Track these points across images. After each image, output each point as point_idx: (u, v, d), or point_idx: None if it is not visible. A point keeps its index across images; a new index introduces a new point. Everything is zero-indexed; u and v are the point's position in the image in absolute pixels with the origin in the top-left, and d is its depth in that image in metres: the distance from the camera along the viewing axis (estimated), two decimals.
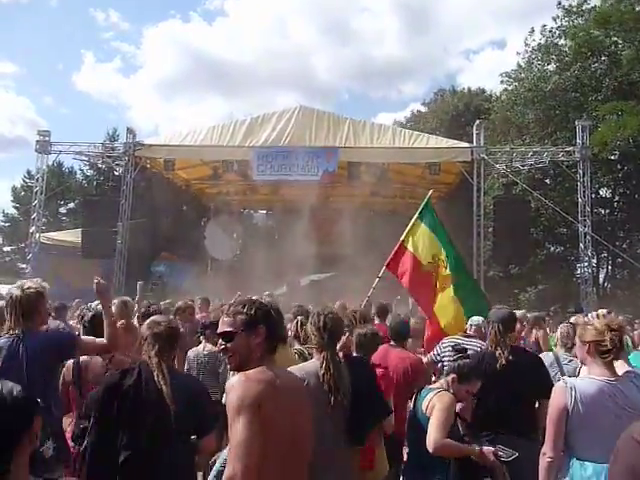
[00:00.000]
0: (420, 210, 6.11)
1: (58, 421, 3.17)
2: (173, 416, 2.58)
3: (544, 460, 2.71)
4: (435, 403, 3.01)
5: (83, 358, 3.72)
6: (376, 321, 5.90)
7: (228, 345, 2.15)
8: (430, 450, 2.83)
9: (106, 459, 2.61)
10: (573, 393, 2.63)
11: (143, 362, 2.81)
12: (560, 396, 2.68)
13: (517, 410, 3.55)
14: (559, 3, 22.30)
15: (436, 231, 5.87)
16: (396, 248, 5.94)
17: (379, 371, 3.80)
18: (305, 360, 3.84)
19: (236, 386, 1.98)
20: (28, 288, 3.15)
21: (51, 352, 3.09)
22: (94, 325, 3.76)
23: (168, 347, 2.85)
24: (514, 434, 3.47)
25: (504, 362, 3.67)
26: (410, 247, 5.85)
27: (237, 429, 1.90)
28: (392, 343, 4.61)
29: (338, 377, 2.89)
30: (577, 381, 2.73)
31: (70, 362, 3.64)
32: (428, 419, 3.03)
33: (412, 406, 3.23)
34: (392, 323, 5.01)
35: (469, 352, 3.60)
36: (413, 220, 6.07)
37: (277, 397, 1.99)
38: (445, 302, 5.50)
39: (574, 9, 21.98)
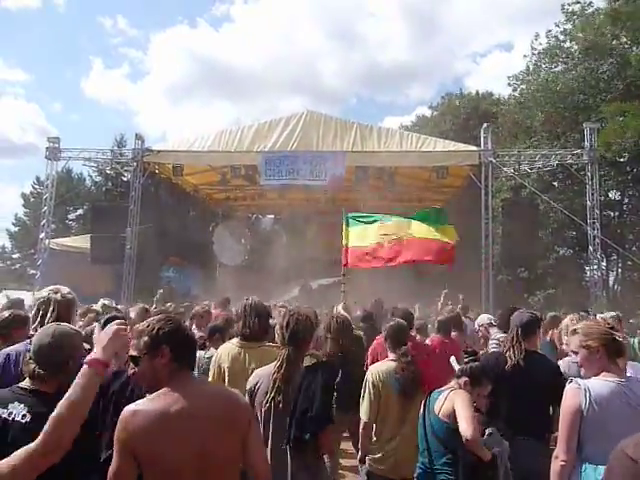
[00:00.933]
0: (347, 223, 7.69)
1: None
2: None
3: (557, 464, 2.66)
4: (454, 400, 2.96)
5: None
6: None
7: (136, 369, 2.15)
8: (468, 440, 2.75)
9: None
10: (587, 395, 2.58)
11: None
12: (574, 397, 2.62)
13: (532, 414, 3.51)
14: (562, 7, 22.32)
15: (364, 221, 7.56)
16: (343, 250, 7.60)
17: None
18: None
19: (120, 419, 1.95)
20: (68, 293, 3.16)
21: None
22: None
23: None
24: (529, 437, 3.45)
25: (514, 366, 3.62)
26: (350, 244, 7.51)
27: (110, 466, 1.93)
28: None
29: (287, 377, 2.90)
30: (590, 382, 2.66)
31: None
32: (440, 421, 3.00)
33: (422, 408, 3.19)
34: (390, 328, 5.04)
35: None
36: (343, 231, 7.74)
37: (165, 428, 1.90)
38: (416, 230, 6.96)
39: (577, 13, 21.96)
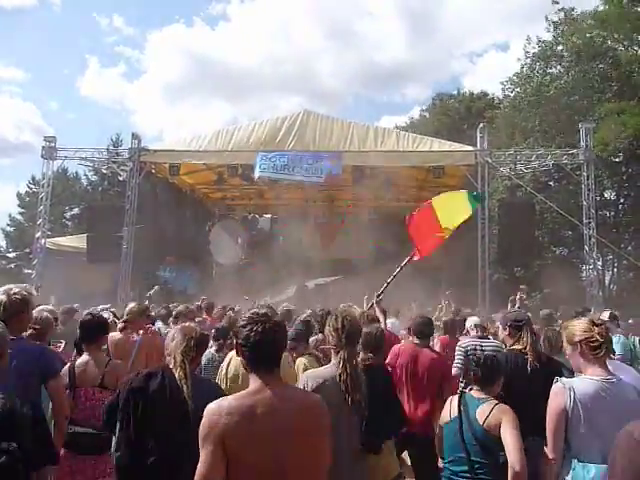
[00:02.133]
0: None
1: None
2: (192, 420, 2.56)
3: (545, 461, 2.74)
4: (501, 419, 2.89)
5: (78, 362, 3.74)
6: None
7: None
8: (518, 471, 2.67)
9: (135, 461, 2.62)
10: (571, 394, 2.64)
11: (166, 366, 2.82)
12: (559, 397, 2.69)
13: (540, 414, 3.50)
14: (546, 18, 22.47)
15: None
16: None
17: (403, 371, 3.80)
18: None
19: (206, 412, 1.95)
20: (15, 294, 3.12)
21: (35, 365, 3.09)
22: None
23: (196, 351, 2.89)
24: (538, 437, 3.42)
25: (532, 368, 3.63)
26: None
27: (201, 457, 1.91)
28: (417, 342, 4.65)
29: (355, 377, 2.88)
30: (575, 381, 2.73)
31: (65, 367, 3.64)
32: (487, 432, 2.92)
33: (456, 412, 3.07)
34: (416, 321, 4.96)
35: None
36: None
37: (247, 430, 1.90)
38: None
39: (562, 20, 22.10)
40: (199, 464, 1.90)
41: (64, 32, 79.53)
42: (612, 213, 22.87)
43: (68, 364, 3.73)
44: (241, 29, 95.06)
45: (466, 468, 2.98)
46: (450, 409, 3.15)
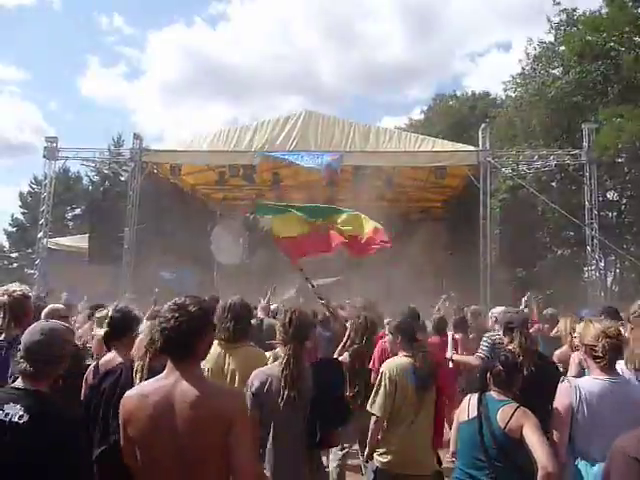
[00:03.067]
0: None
1: None
2: None
3: None
4: (524, 423, 2.83)
5: (103, 360, 3.65)
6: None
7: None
8: (550, 470, 2.60)
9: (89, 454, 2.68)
10: (578, 393, 2.65)
11: (126, 363, 2.85)
12: (565, 396, 2.68)
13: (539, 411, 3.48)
14: (548, 19, 22.42)
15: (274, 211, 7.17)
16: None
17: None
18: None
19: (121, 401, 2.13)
20: (15, 292, 3.13)
21: None
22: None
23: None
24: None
25: (528, 371, 3.53)
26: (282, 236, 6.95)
27: None
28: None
29: (297, 374, 2.92)
30: (581, 381, 2.73)
31: (91, 366, 3.58)
32: (508, 437, 2.87)
33: (475, 412, 3.02)
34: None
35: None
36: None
37: (143, 416, 1.99)
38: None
39: (564, 21, 22.06)
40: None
41: (64, 31, 79.86)
42: (614, 214, 22.79)
43: (94, 362, 3.70)
44: (242, 29, 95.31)
45: (485, 472, 2.91)
46: (469, 408, 3.09)
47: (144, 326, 3.02)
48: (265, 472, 2.84)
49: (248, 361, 3.41)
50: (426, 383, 3.62)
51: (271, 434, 2.94)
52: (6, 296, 3.10)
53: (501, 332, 4.12)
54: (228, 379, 3.40)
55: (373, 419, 3.69)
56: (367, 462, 3.95)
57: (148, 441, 1.97)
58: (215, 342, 3.62)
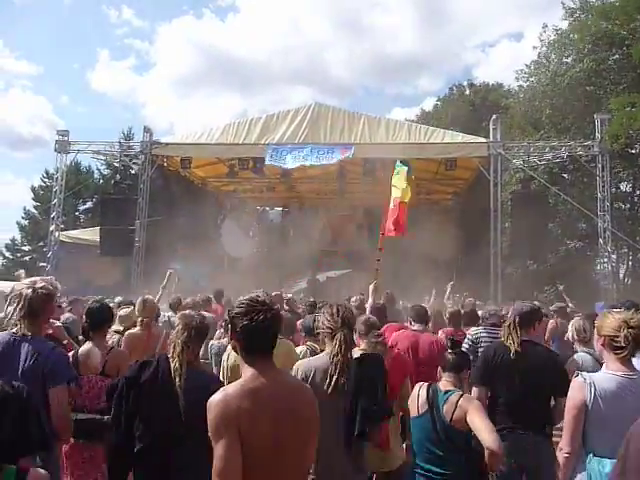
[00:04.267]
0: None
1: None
2: (183, 413, 2.59)
3: (561, 455, 2.72)
4: (467, 410, 2.88)
5: (82, 350, 3.76)
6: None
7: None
8: (495, 450, 2.64)
9: (124, 449, 2.68)
10: (592, 389, 2.61)
11: (162, 356, 2.85)
12: (579, 391, 2.66)
13: (532, 405, 3.46)
14: (563, 4, 22.11)
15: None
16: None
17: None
18: (315, 355, 3.89)
19: (213, 406, 1.94)
20: (42, 288, 3.02)
21: (42, 366, 2.92)
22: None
23: (195, 341, 2.88)
24: (529, 429, 3.40)
25: (515, 354, 3.52)
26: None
27: (217, 451, 1.89)
28: (415, 328, 4.74)
29: (347, 361, 2.91)
30: (596, 376, 2.69)
31: (70, 354, 3.61)
32: (455, 429, 2.91)
33: (427, 407, 3.05)
34: (413, 308, 5.11)
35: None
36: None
37: (256, 412, 1.94)
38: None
39: (578, 8, 21.74)
40: (216, 459, 1.86)
41: (73, 25, 79.89)
42: (628, 206, 22.55)
43: (72, 352, 3.76)
44: (250, 21, 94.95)
45: (444, 467, 2.96)
46: (418, 402, 3.10)
47: (170, 318, 3.03)
48: None
49: (280, 353, 3.44)
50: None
51: None
52: (30, 290, 2.98)
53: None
54: None
55: None
56: None
57: (255, 437, 1.93)
58: None
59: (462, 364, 3.19)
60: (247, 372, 2.04)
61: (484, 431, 2.74)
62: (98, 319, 3.86)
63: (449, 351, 3.24)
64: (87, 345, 3.78)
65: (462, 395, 3.00)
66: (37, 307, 2.96)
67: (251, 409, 1.93)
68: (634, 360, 2.75)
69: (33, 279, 3.14)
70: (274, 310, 2.07)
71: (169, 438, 2.60)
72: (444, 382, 3.12)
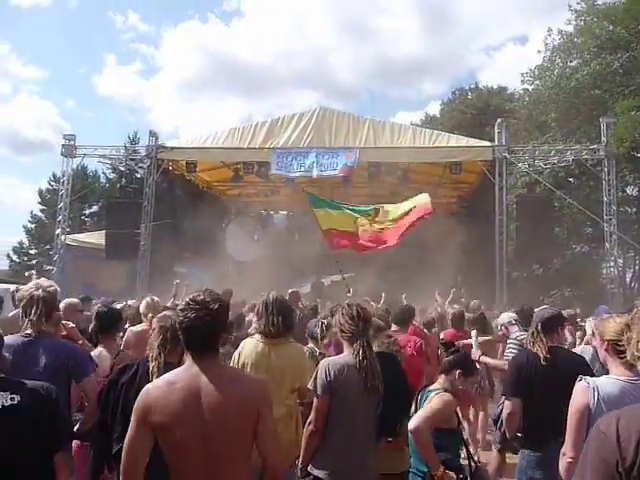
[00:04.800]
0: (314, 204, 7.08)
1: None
2: None
3: (564, 460, 2.68)
4: (432, 400, 3.01)
5: (92, 354, 3.78)
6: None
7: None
8: (410, 428, 2.80)
9: (105, 449, 2.76)
10: (595, 393, 2.60)
11: (143, 359, 2.89)
12: (582, 396, 2.64)
13: (564, 413, 3.38)
14: (570, 7, 22.07)
15: (331, 207, 6.89)
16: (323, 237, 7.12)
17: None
18: (314, 359, 3.91)
19: (140, 393, 2.09)
20: (50, 286, 3.15)
21: (64, 363, 3.08)
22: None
23: (174, 342, 2.85)
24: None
25: (545, 360, 3.44)
26: (330, 228, 7.17)
27: (126, 437, 2.04)
28: (396, 329, 4.88)
29: (374, 363, 2.95)
30: (599, 381, 2.68)
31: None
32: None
33: (414, 410, 3.16)
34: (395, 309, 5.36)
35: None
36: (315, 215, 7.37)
37: (172, 403, 2.00)
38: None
39: (584, 10, 21.69)
40: (125, 441, 2.03)
41: (80, 30, 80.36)
42: (634, 209, 22.44)
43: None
44: (255, 25, 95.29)
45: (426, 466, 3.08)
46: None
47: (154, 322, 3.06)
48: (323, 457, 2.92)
49: (295, 357, 3.50)
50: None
51: (340, 419, 2.92)
52: (41, 290, 3.10)
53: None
54: (276, 374, 3.39)
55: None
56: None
57: (174, 426, 1.99)
58: (257, 337, 3.66)
59: (451, 365, 3.25)
60: (181, 366, 2.14)
61: (419, 413, 2.94)
62: (107, 323, 3.89)
63: (444, 354, 3.30)
64: (98, 349, 3.82)
65: (439, 392, 3.11)
66: (50, 306, 3.09)
67: (168, 400, 2.00)
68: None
69: (36, 282, 3.25)
70: (209, 310, 2.08)
71: None
72: (435, 384, 3.22)
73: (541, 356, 3.45)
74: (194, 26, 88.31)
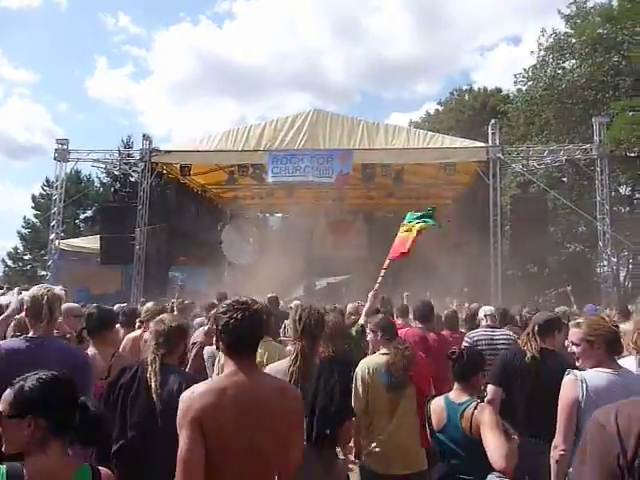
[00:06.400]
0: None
1: None
2: (159, 414, 2.63)
3: (556, 453, 2.73)
4: (480, 421, 2.78)
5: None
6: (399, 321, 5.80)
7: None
8: (502, 467, 2.55)
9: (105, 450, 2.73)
10: (584, 386, 2.67)
11: (143, 360, 2.90)
12: (571, 389, 2.71)
13: (544, 412, 3.29)
14: (559, 12, 22.24)
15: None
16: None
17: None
18: None
19: (180, 402, 2.02)
20: (49, 291, 3.14)
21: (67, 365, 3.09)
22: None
23: (170, 345, 2.89)
24: (539, 436, 3.30)
25: (530, 359, 3.60)
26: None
27: (180, 442, 1.95)
28: (420, 326, 4.89)
29: (304, 371, 2.95)
30: (586, 374, 2.76)
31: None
32: (468, 438, 2.82)
33: (445, 422, 2.95)
34: (418, 306, 5.37)
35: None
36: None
37: (220, 408, 1.96)
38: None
39: (574, 14, 21.87)
40: (179, 449, 1.95)
41: (71, 33, 79.98)
42: (627, 209, 22.59)
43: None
44: (247, 27, 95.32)
45: (467, 475, 2.87)
46: (436, 417, 3.02)
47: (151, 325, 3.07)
48: None
49: (270, 356, 3.53)
50: (399, 381, 3.50)
51: None
52: (45, 289, 3.13)
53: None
54: None
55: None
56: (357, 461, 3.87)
57: (228, 438, 1.96)
58: None
59: (469, 371, 3.06)
60: (225, 370, 2.10)
61: (491, 446, 2.63)
62: (96, 324, 3.86)
63: (452, 361, 3.11)
64: (90, 350, 3.77)
65: (476, 406, 2.89)
66: (53, 308, 3.08)
67: (215, 406, 1.97)
68: (629, 360, 2.80)
69: (36, 287, 3.23)
70: (253, 311, 2.09)
71: (143, 439, 2.67)
72: (457, 392, 3.02)
73: (528, 355, 3.63)
74: (186, 28, 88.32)
